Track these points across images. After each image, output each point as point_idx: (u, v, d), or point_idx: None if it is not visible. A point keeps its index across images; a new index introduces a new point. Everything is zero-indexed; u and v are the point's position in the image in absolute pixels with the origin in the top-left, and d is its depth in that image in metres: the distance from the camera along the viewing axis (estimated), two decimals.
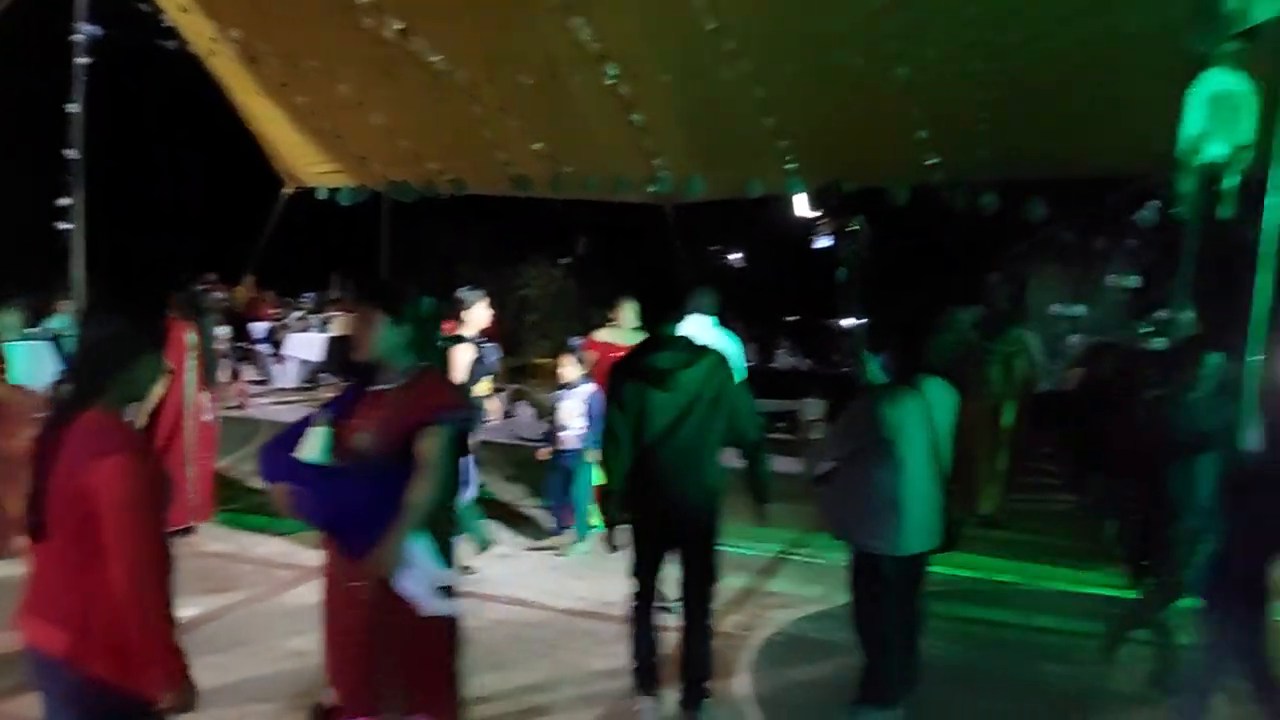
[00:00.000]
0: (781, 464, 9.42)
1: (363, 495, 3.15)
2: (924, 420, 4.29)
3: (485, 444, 6.24)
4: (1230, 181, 6.01)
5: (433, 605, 3.16)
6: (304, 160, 11.98)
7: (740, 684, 4.65)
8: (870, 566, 4.22)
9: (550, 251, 17.31)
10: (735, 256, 20.58)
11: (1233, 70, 6.18)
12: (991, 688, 4.74)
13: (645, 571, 4.25)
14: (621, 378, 4.17)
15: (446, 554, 3.32)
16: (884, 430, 4.22)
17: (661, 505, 4.13)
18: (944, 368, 4.92)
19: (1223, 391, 4.80)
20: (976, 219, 10.54)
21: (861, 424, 4.36)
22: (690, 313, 6.00)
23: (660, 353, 4.16)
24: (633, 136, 9.89)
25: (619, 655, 4.43)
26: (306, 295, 15.73)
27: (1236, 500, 4.00)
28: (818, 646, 5.11)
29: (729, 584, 6.03)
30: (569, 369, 6.53)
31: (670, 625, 4.41)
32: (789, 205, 10.28)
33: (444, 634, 3.32)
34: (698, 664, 4.22)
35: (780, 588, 6.11)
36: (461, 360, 5.99)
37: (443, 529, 3.34)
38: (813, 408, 10.06)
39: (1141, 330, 9.89)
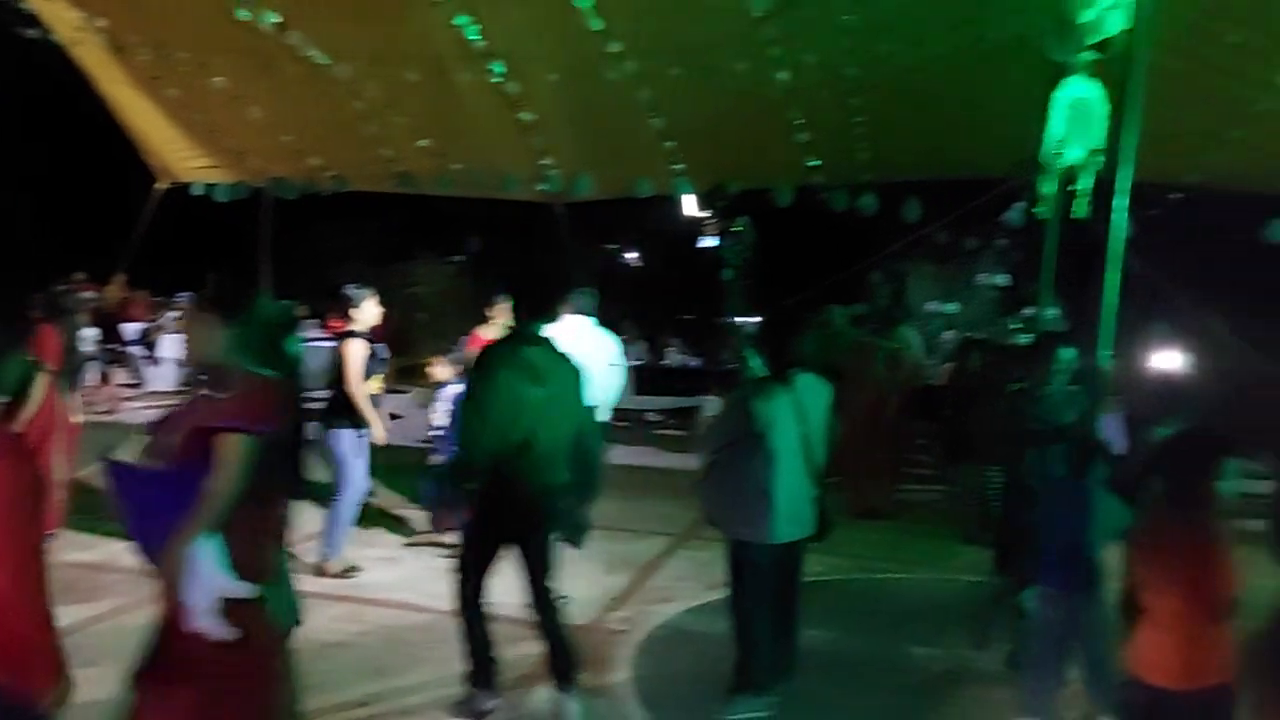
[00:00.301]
0: (673, 460, 9.66)
1: (158, 501, 3.03)
2: (795, 414, 4.43)
3: (375, 446, 6.15)
4: (1084, 183, 6.37)
5: (208, 621, 2.87)
6: (178, 155, 11.57)
7: (621, 678, 4.71)
8: (744, 555, 4.36)
9: (442, 249, 17.11)
10: (633, 256, 20.69)
11: (1088, 79, 6.55)
12: (863, 674, 4.91)
13: (480, 566, 4.24)
14: (491, 365, 4.21)
15: (250, 568, 3.01)
16: (755, 424, 4.35)
17: (511, 498, 4.16)
18: (821, 363, 5.08)
19: (1077, 384, 5.09)
20: (857, 219, 10.87)
21: (734, 418, 4.51)
22: (568, 312, 6.06)
23: (527, 349, 4.22)
24: (520, 134, 9.87)
25: (503, 655, 4.44)
26: (182, 295, 15.16)
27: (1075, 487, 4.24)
28: (700, 639, 5.20)
29: (613, 580, 6.11)
30: (440, 369, 6.49)
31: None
32: (680, 205, 10.42)
33: (251, 661, 3.04)
34: (559, 658, 4.23)
35: (665, 582, 6.19)
36: (355, 357, 5.91)
37: (257, 541, 3.10)
38: (713, 405, 10.21)
39: (1011, 326, 10.33)
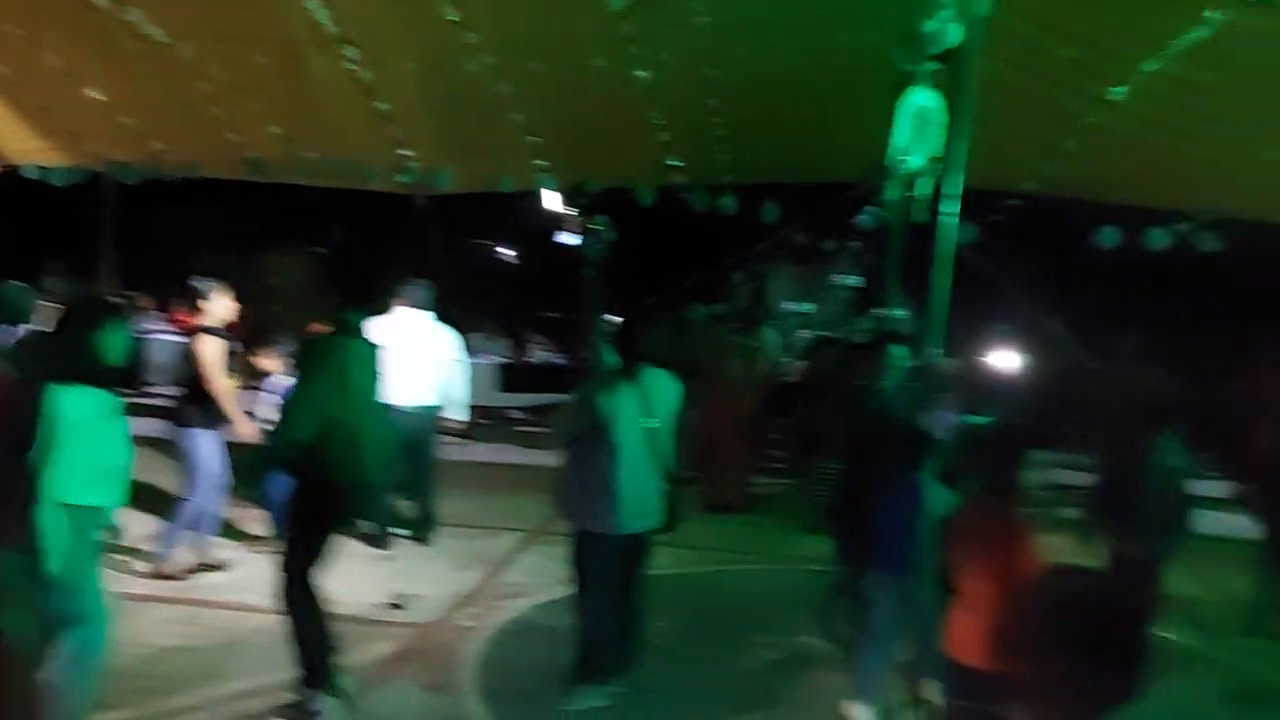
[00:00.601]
0: (535, 457, 9.62)
1: None
2: (642, 409, 4.49)
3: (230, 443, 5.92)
4: (924, 189, 6.63)
5: None
6: (9, 136, 10.82)
7: (465, 676, 4.66)
8: (589, 546, 4.40)
9: (305, 240, 16.58)
10: (509, 252, 20.44)
11: (929, 88, 6.82)
12: (704, 663, 5.01)
13: (304, 561, 4.16)
14: (310, 357, 4.18)
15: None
16: (600, 417, 4.40)
17: (332, 491, 4.11)
18: (681, 360, 5.16)
19: (912, 381, 5.31)
20: (718, 220, 11.06)
21: (581, 413, 4.56)
22: (402, 305, 5.99)
23: (346, 341, 4.21)
24: (377, 124, 9.62)
25: (345, 656, 4.33)
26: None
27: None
28: (549, 633, 5.18)
29: (465, 577, 6.05)
30: (265, 360, 6.29)
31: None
32: (543, 202, 10.39)
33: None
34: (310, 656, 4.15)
35: (519, 577, 6.17)
36: (211, 353, 5.65)
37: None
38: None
39: (864, 326, 10.72)
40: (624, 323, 4.93)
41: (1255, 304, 10.50)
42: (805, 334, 11.64)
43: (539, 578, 6.12)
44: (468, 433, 11.03)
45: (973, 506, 3.64)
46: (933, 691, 4.16)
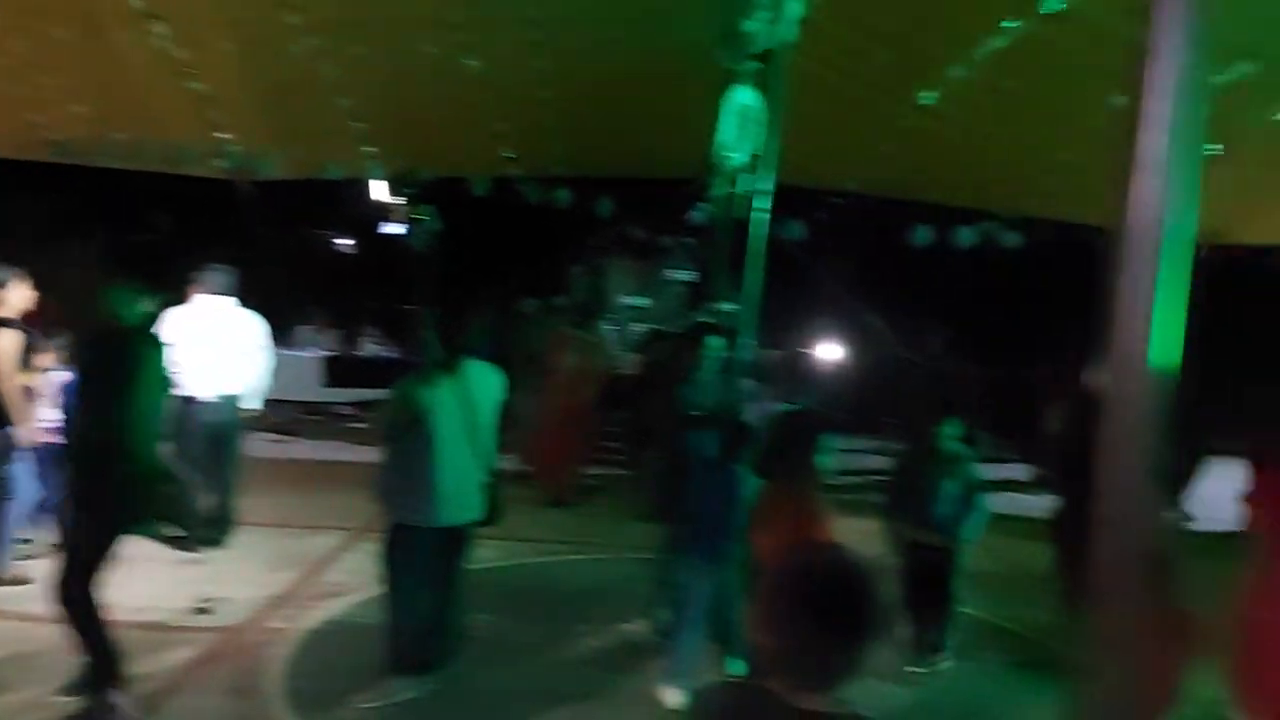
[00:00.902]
0: (363, 454, 9.34)
1: None
2: (461, 400, 4.44)
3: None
4: (744, 186, 6.81)
5: None
6: None
7: (271, 679, 4.50)
8: (404, 538, 4.34)
9: (123, 227, 15.57)
10: (345, 242, 19.71)
11: (750, 87, 7.00)
12: (524, 654, 5.00)
13: (87, 561, 3.94)
14: (90, 351, 3.97)
15: None
16: (418, 411, 4.34)
17: (115, 488, 3.93)
18: (508, 353, 5.12)
19: (727, 371, 5.44)
20: (556, 213, 11.05)
21: (399, 405, 4.49)
22: (202, 293, 5.75)
23: (128, 333, 4.04)
24: (193, 106, 9.14)
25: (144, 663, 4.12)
26: None
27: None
28: (365, 632, 5.05)
29: (278, 578, 5.84)
30: (43, 356, 5.88)
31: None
32: (371, 191, 10.11)
33: None
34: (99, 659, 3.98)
35: (337, 577, 5.99)
36: (3, 347, 5.20)
37: None
38: None
39: (697, 320, 10.93)
40: (444, 315, 4.86)
41: (1053, 299, 11.29)
42: (641, 328, 11.76)
43: (361, 576, 5.94)
44: (293, 429, 10.70)
45: (771, 492, 3.76)
46: (739, 671, 4.30)
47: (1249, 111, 7.13)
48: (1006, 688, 5.02)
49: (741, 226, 7.37)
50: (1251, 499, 3.54)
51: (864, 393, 9.95)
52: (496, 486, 4.64)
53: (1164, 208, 1.26)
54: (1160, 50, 1.31)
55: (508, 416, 9.13)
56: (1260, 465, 3.52)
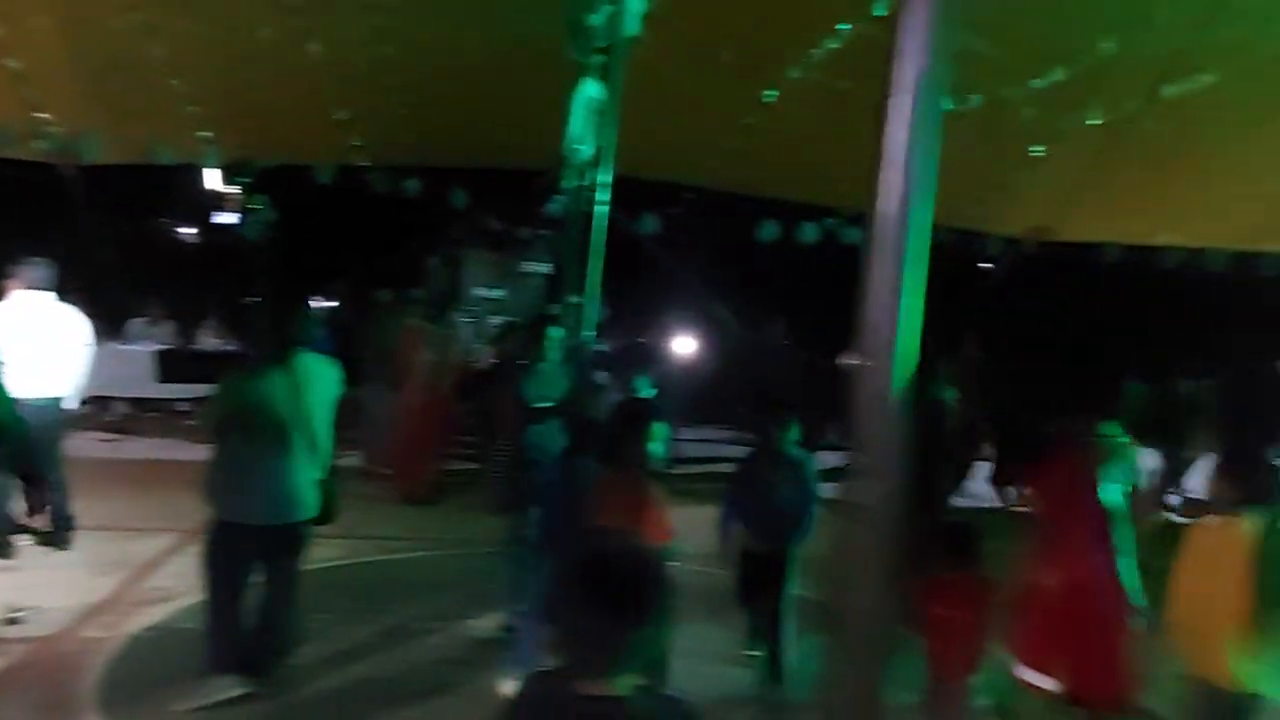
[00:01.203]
0: (199, 452, 8.91)
1: None
2: (292, 395, 4.30)
3: None
4: (591, 179, 6.84)
5: None
6: None
7: (85, 690, 4.27)
8: (227, 536, 4.19)
9: None
10: (187, 230, 18.77)
11: (596, 80, 7.03)
12: (361, 651, 4.90)
13: None
14: None
15: None
16: (243, 404, 4.20)
17: None
18: (362, 346, 4.96)
19: (571, 363, 5.46)
20: (409, 202, 10.83)
21: (224, 400, 4.34)
22: (21, 287, 5.42)
23: None
24: (7, 83, 8.55)
25: None
26: None
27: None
28: (190, 637, 4.85)
29: (100, 584, 5.54)
30: None
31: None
32: (206, 178, 9.67)
33: None
34: None
35: (165, 581, 5.72)
36: None
37: None
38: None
39: (539, 312, 10.90)
40: (275, 307, 4.72)
41: None
42: (498, 320, 11.65)
43: (190, 580, 5.70)
44: (125, 427, 10.15)
45: (607, 481, 3.79)
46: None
47: (1065, 115, 7.60)
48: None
49: (589, 219, 7.42)
50: (1030, 484, 3.93)
51: (714, 384, 10.14)
52: (333, 483, 4.52)
53: (907, 199, 1.33)
54: (904, 52, 1.38)
55: (358, 412, 8.95)
56: (1036, 456, 3.90)
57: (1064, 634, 3.98)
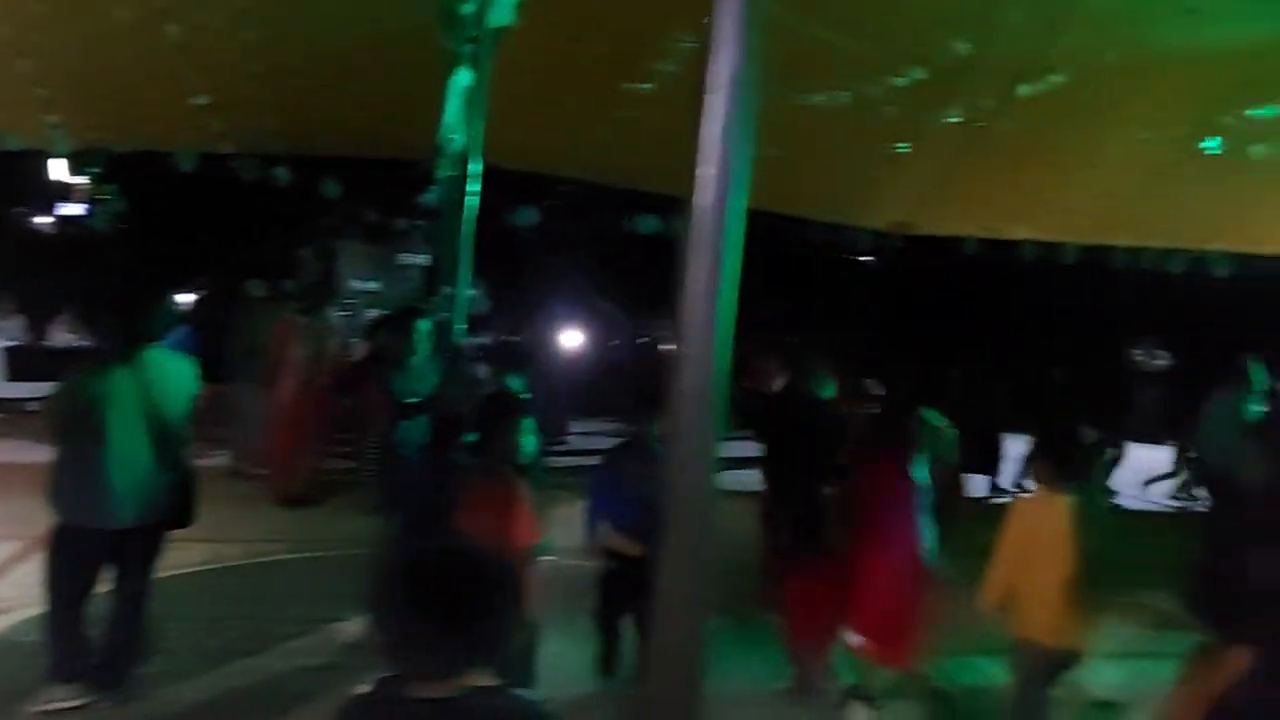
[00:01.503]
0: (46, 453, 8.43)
1: None
2: (140, 392, 4.13)
3: None
4: (464, 169, 6.77)
5: None
6: None
7: None
8: (70, 540, 4.02)
9: None
10: (44, 220, 17.72)
11: (470, 69, 6.95)
12: (221, 659, 4.75)
13: None
14: None
15: None
16: (85, 402, 4.01)
17: None
18: (234, 342, 4.75)
19: (442, 357, 5.39)
20: (279, 191, 10.49)
21: (65, 397, 4.14)
22: None
23: None
24: None
25: None
26: None
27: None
28: (32, 649, 4.61)
29: None
30: None
31: None
32: (52, 167, 9.15)
33: None
34: None
35: (8, 591, 5.42)
36: None
37: None
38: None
39: (421, 304, 10.71)
40: (123, 300, 4.52)
41: (755, 286, 12.00)
42: (375, 313, 11.39)
43: (33, 590, 5.43)
44: None
45: (472, 476, 3.76)
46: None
47: (926, 113, 7.86)
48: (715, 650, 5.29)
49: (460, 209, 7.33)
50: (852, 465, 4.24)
51: (594, 378, 10.15)
52: (190, 484, 4.36)
53: (722, 193, 1.36)
54: (717, 52, 1.41)
55: (227, 409, 8.62)
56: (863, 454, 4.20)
57: (870, 601, 4.28)
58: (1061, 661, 3.53)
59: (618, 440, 4.86)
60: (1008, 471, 9.15)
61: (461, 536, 1.73)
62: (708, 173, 1.40)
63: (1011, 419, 8.88)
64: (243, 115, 9.07)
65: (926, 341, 11.17)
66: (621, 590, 4.41)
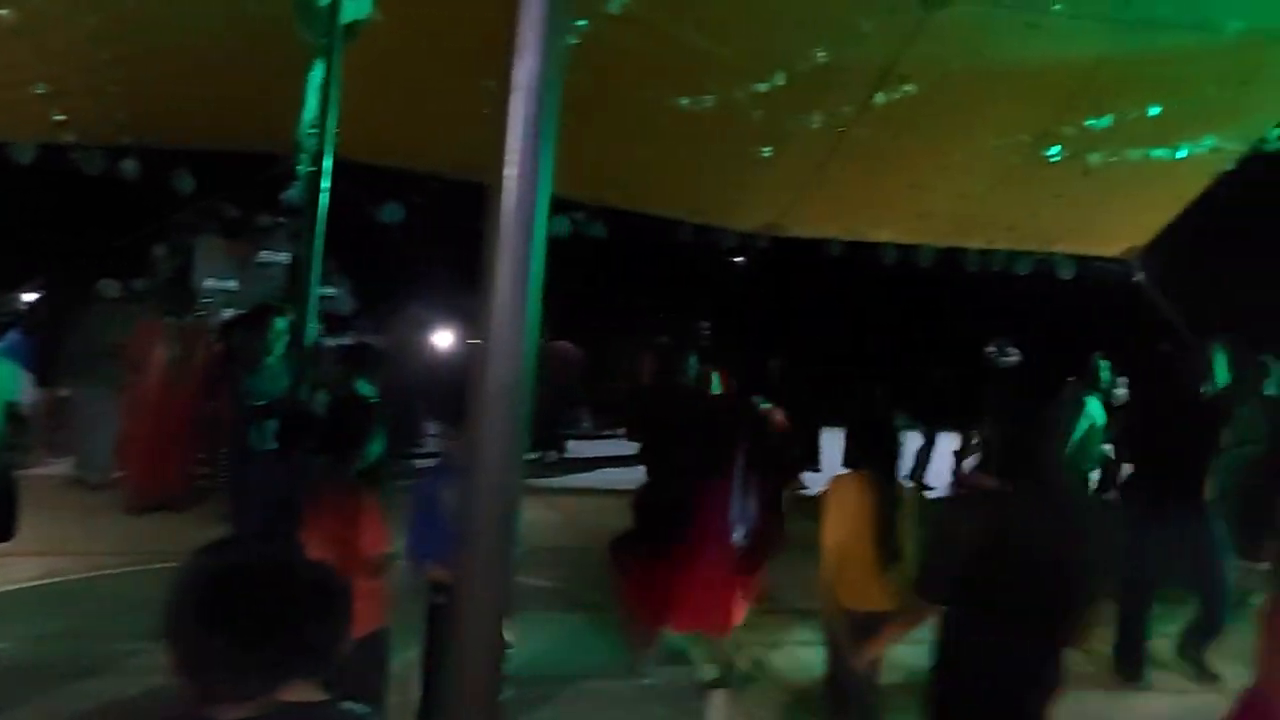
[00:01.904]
0: None
1: None
2: None
3: None
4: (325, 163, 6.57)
5: None
6: None
7: None
8: None
9: None
10: None
11: (323, 63, 6.74)
12: (53, 681, 4.51)
13: None
14: None
15: None
16: None
17: None
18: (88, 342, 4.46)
19: (294, 358, 5.22)
20: (130, 185, 10.01)
21: None
22: None
23: None
24: None
25: None
26: None
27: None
28: None
29: None
30: None
31: None
32: None
33: None
34: None
35: None
36: None
37: None
38: None
39: (276, 303, 10.36)
40: None
41: (629, 287, 12.17)
42: (233, 312, 10.95)
43: None
44: None
45: (318, 482, 3.66)
46: None
47: (789, 118, 8.05)
48: (574, 643, 5.33)
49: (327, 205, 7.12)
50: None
51: (458, 381, 9.98)
52: (9, 494, 4.11)
53: (526, 195, 1.36)
54: (519, 51, 1.41)
55: (69, 414, 8.14)
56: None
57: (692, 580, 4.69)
58: (869, 624, 3.71)
59: (434, 459, 4.77)
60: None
61: (278, 543, 1.66)
62: (511, 174, 1.39)
63: (832, 412, 9.29)
64: (87, 106, 8.61)
65: (782, 338, 11.50)
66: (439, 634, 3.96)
